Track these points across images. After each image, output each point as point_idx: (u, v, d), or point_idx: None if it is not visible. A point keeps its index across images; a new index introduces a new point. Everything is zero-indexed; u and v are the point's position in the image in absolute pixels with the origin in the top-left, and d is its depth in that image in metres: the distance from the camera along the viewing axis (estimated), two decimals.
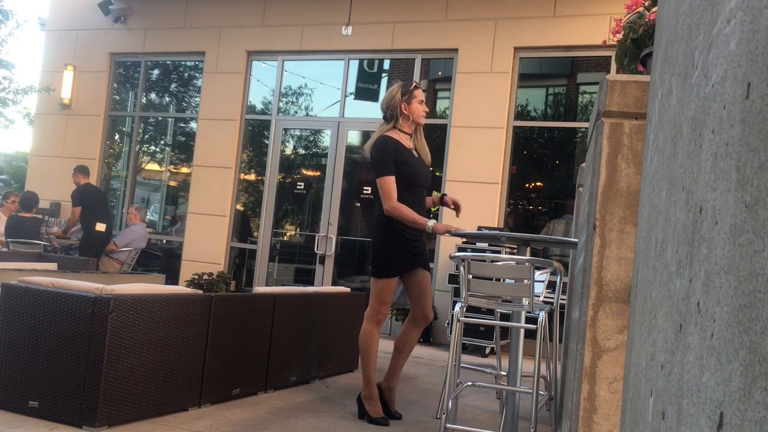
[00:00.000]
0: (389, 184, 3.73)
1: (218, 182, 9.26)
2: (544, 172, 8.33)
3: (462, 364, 4.37)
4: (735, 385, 0.50)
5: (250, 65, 9.43)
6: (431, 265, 8.20)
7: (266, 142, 9.30)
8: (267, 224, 9.05)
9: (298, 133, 9.52)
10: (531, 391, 2.99)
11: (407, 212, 3.68)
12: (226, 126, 9.31)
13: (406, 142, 3.91)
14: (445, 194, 4.22)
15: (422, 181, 3.95)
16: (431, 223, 3.66)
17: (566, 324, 3.70)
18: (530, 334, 3.29)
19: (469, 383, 3.45)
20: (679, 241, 0.72)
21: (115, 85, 10.45)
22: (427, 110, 3.99)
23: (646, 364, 0.86)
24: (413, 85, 3.94)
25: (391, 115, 3.92)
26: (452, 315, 3.93)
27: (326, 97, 9.15)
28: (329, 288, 6.38)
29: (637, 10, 2.30)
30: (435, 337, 7.64)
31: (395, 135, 3.87)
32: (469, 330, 6.77)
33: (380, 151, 3.82)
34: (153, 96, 10.51)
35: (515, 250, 3.52)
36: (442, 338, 7.51)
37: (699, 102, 0.68)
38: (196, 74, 10.01)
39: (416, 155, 3.94)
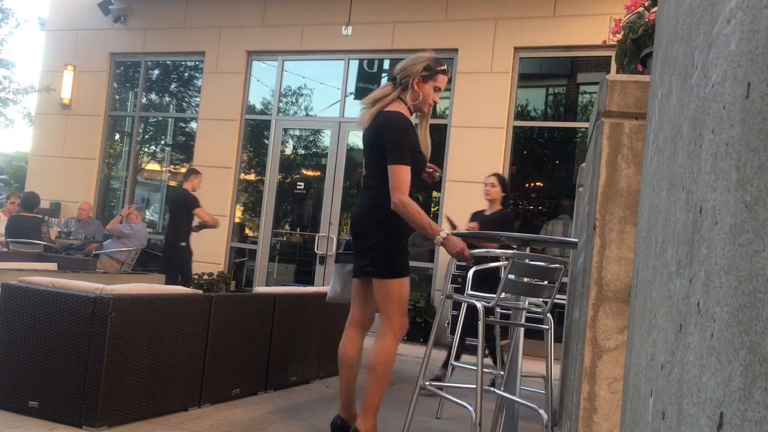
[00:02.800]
0: (406, 174, 3.11)
1: (218, 182, 9.26)
2: (544, 172, 8.33)
3: (461, 364, 4.37)
4: (735, 385, 0.50)
5: (250, 65, 9.43)
6: (430, 265, 8.20)
7: (266, 142, 9.29)
8: (267, 224, 9.05)
9: (298, 133, 9.52)
10: (479, 391, 2.98)
11: (419, 213, 3.08)
12: (226, 126, 9.31)
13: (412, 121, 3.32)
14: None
15: (423, 172, 3.45)
16: (444, 233, 3.06)
17: (566, 324, 3.70)
18: (529, 334, 3.29)
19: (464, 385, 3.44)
20: (679, 241, 0.72)
21: (115, 85, 10.45)
22: (437, 101, 3.40)
23: (646, 364, 0.86)
24: (442, 67, 3.32)
25: (400, 81, 3.31)
26: (456, 315, 3.95)
27: (326, 97, 9.15)
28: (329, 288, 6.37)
29: (636, 10, 2.30)
30: (435, 337, 7.63)
31: (405, 112, 3.27)
32: (469, 330, 6.75)
33: (403, 133, 3.18)
34: (153, 96, 10.52)
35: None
36: (442, 338, 7.51)
37: (699, 102, 0.68)
38: (196, 74, 10.01)
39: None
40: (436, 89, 3.32)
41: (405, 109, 3.27)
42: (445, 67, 3.33)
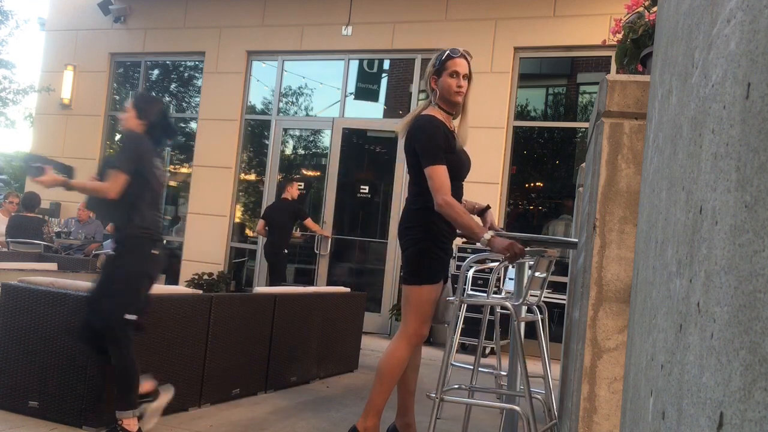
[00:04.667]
0: (443, 174, 3.04)
1: (218, 182, 9.26)
2: (544, 172, 8.33)
3: (460, 364, 4.37)
4: (735, 385, 0.50)
5: (250, 65, 9.43)
6: None
7: (266, 142, 9.30)
8: None
9: (297, 133, 9.52)
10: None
11: (463, 213, 3.00)
12: (226, 126, 9.31)
13: (449, 123, 3.26)
14: (490, 207, 3.54)
15: (465, 173, 3.32)
16: (489, 235, 2.91)
17: (566, 324, 3.69)
18: (529, 334, 3.29)
19: (456, 386, 3.44)
20: (679, 241, 0.72)
21: (115, 85, 10.45)
22: (463, 85, 3.21)
23: (646, 364, 0.86)
24: (446, 54, 3.21)
25: (429, 91, 3.29)
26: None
27: (326, 97, 9.15)
28: (329, 288, 6.38)
29: (637, 10, 2.30)
30: (435, 336, 7.64)
31: (438, 114, 3.20)
32: (469, 330, 6.75)
33: (430, 135, 3.12)
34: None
35: None
36: (443, 338, 7.51)
37: (699, 102, 0.68)
38: (196, 74, 10.01)
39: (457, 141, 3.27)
40: (453, 74, 3.19)
41: (438, 111, 3.22)
42: (450, 51, 3.21)
